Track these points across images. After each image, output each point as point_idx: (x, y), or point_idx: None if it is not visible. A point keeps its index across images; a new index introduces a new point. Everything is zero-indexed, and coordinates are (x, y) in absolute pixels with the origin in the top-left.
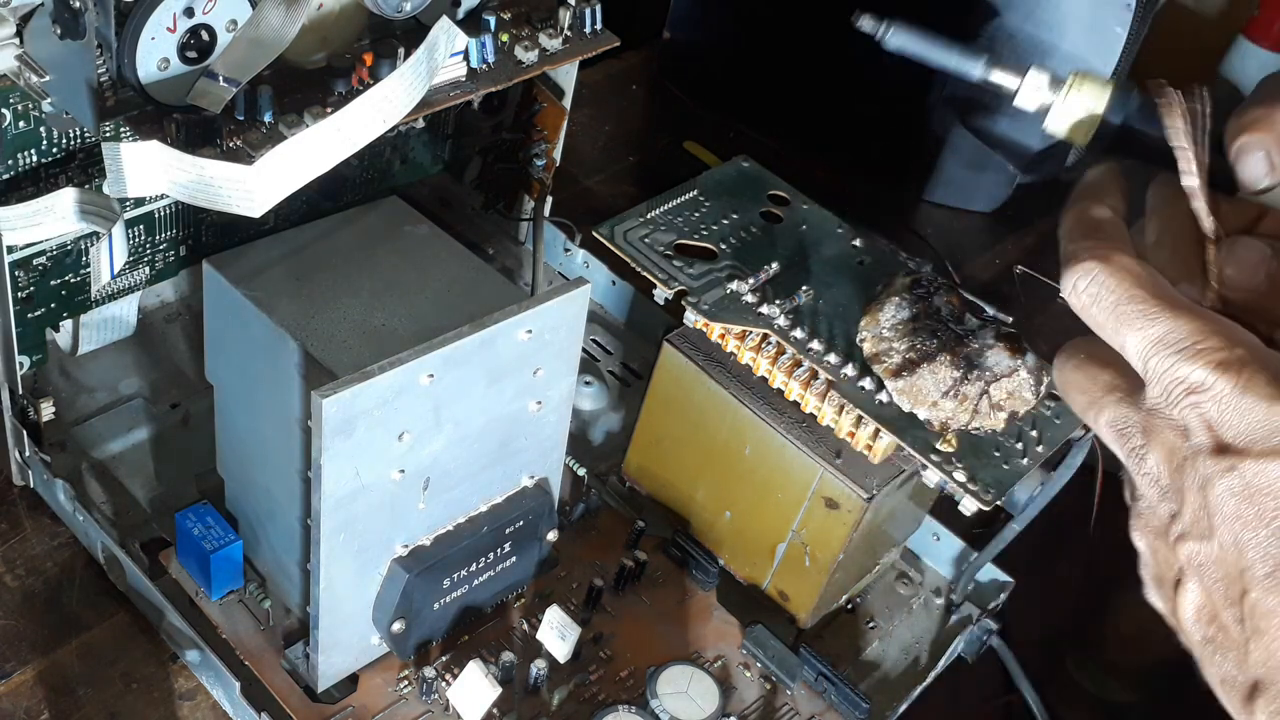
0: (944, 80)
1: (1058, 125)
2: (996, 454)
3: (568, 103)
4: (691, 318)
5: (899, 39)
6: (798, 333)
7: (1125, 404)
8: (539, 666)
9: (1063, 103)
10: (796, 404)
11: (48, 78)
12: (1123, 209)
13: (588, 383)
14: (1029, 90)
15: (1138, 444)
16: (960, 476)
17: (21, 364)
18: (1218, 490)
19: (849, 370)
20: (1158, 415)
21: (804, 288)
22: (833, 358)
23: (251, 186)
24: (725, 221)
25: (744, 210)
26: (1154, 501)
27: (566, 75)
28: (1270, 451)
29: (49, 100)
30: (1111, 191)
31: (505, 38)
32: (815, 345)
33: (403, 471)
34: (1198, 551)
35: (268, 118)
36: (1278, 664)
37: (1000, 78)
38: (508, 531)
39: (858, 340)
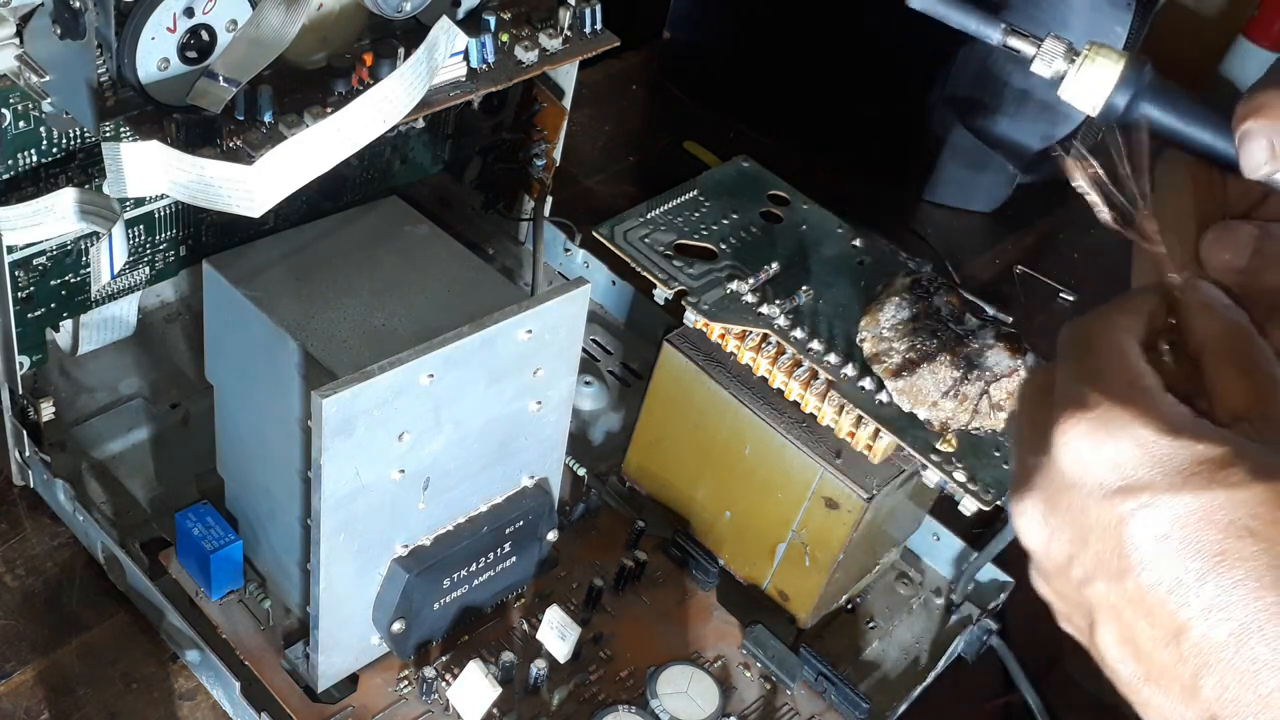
0: (944, 80)
1: (1071, 93)
2: (996, 454)
3: (568, 103)
4: (691, 318)
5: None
6: (798, 333)
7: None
8: (539, 666)
9: (1076, 73)
10: (796, 404)
11: (48, 78)
12: None
13: (588, 383)
14: (1045, 57)
15: (1018, 495)
16: (960, 476)
17: (21, 364)
18: (1131, 529)
19: (849, 370)
20: (1049, 465)
21: (804, 288)
22: (833, 358)
23: (251, 186)
24: (725, 221)
25: (744, 210)
26: (1043, 547)
27: (566, 75)
28: (1181, 487)
29: (49, 100)
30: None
31: (505, 38)
32: (815, 345)
33: (403, 471)
34: (1109, 592)
35: (268, 118)
36: (1234, 698)
37: (1018, 43)
38: (508, 531)
39: (858, 340)
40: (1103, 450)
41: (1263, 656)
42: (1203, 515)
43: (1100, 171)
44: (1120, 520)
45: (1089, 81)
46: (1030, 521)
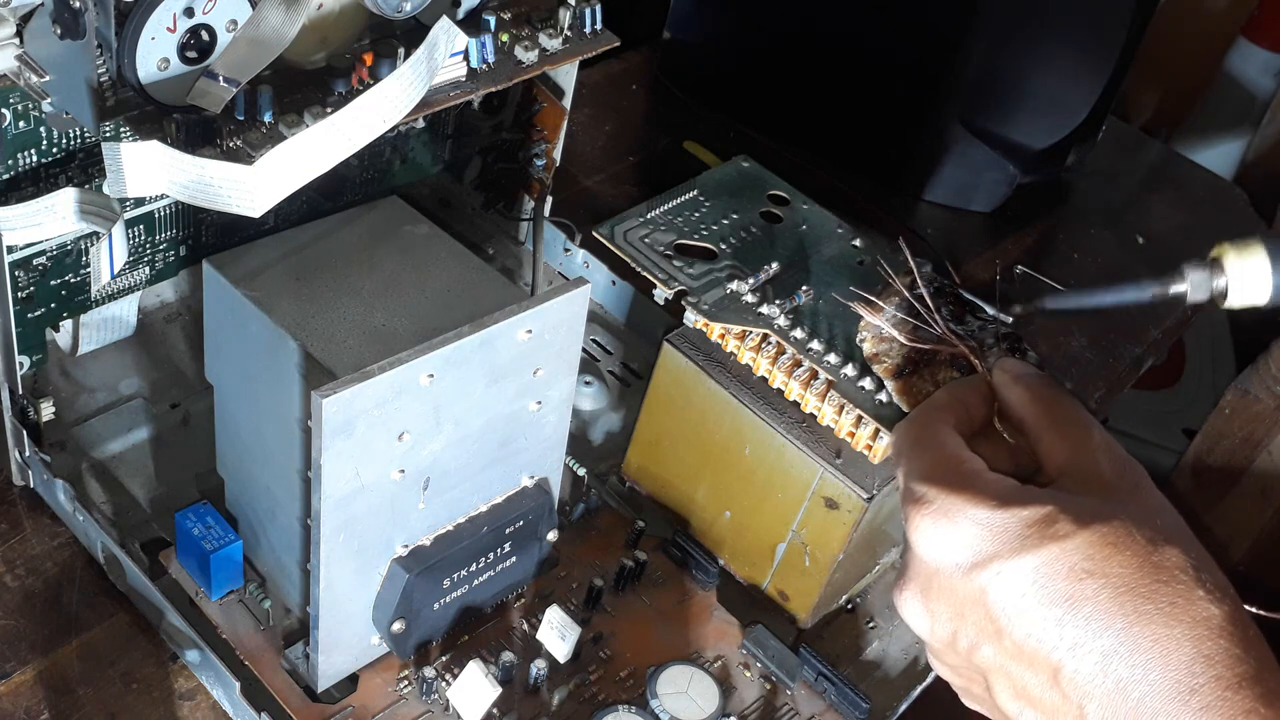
0: (944, 80)
1: (1241, 298)
2: None
3: (568, 103)
4: (691, 318)
5: (1056, 303)
6: (798, 333)
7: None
8: (539, 666)
9: (1234, 280)
10: (796, 404)
11: (48, 78)
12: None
13: (588, 383)
14: (1195, 283)
15: (899, 589)
16: None
17: (21, 364)
18: (994, 596)
19: (849, 370)
20: (913, 558)
21: (804, 288)
22: (833, 358)
23: (251, 186)
24: (725, 221)
25: (744, 210)
26: (929, 630)
27: (566, 75)
28: (1020, 550)
29: (49, 100)
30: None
31: (505, 38)
32: (815, 345)
33: (403, 471)
34: (994, 654)
35: (268, 118)
36: (1113, 715)
37: (1171, 290)
38: (508, 531)
39: (858, 340)
40: (950, 535)
41: (1124, 673)
42: (1046, 569)
43: (908, 295)
44: (983, 590)
45: (1251, 276)
46: (913, 610)
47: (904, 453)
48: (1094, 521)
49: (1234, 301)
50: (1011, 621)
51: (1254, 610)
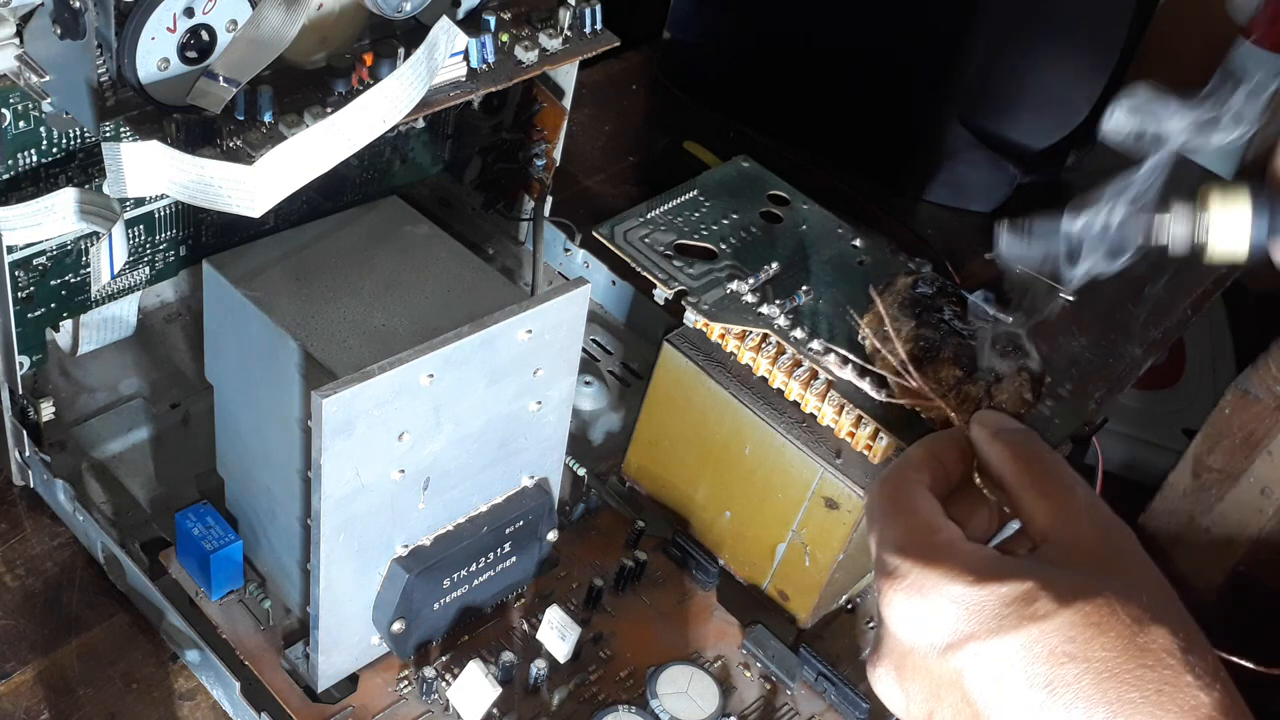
0: (944, 80)
1: (1220, 240)
2: None
3: (568, 103)
4: (691, 318)
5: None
6: (798, 333)
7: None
8: (539, 666)
9: (1212, 220)
10: (796, 404)
11: (48, 78)
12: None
13: (588, 383)
14: (1178, 217)
15: (872, 664)
16: None
17: (21, 364)
18: (970, 680)
19: (849, 370)
20: (886, 633)
21: (804, 288)
22: (833, 358)
23: (251, 186)
24: (725, 221)
25: (744, 210)
26: (904, 709)
27: (566, 75)
28: (997, 630)
29: (49, 100)
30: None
31: (505, 38)
32: (815, 345)
33: (403, 471)
34: None
35: (268, 118)
36: None
37: (1156, 227)
38: (508, 531)
39: (859, 339)
40: (924, 613)
41: None
42: (1025, 651)
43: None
44: (959, 673)
45: (1228, 224)
46: (887, 687)
47: (876, 518)
48: (1076, 599)
49: (1215, 246)
50: (989, 706)
51: (1235, 660)
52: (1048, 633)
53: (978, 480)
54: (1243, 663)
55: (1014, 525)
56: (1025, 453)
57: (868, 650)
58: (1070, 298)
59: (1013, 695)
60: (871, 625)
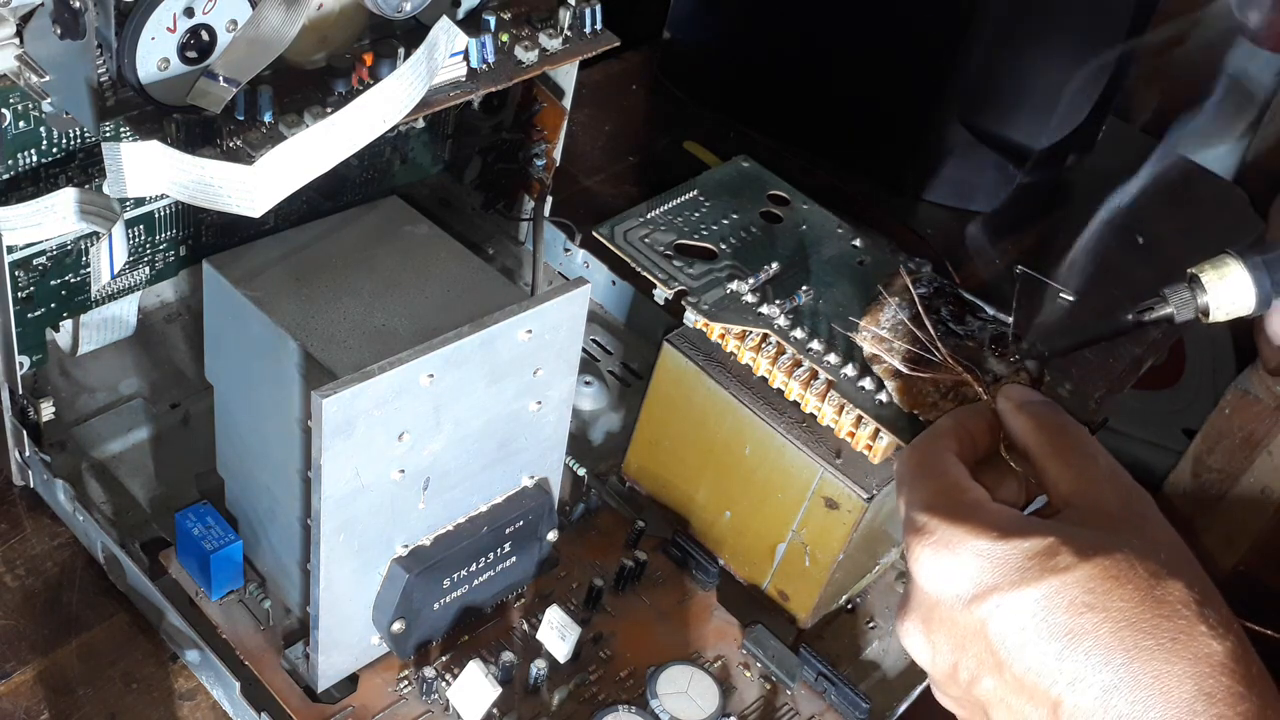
0: (944, 80)
1: (1225, 308)
2: None
3: (568, 103)
4: (691, 318)
5: (1051, 345)
6: (798, 333)
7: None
8: (539, 666)
9: (1216, 293)
10: (796, 404)
11: (48, 78)
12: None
13: (588, 383)
14: (1179, 304)
15: (900, 619)
16: None
17: (21, 364)
18: (994, 628)
19: (849, 370)
20: (914, 588)
21: (804, 288)
22: (833, 358)
23: (251, 186)
24: (725, 221)
25: (744, 210)
26: (930, 661)
27: (566, 75)
28: (1020, 582)
29: (49, 100)
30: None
31: (505, 38)
32: (815, 345)
33: (403, 471)
34: (994, 686)
35: (268, 118)
36: None
37: (1152, 315)
38: (508, 531)
39: (859, 340)
40: (950, 567)
41: (1124, 709)
42: (1046, 602)
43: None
44: (983, 623)
45: (1231, 292)
46: (914, 641)
47: (906, 481)
48: (1096, 554)
49: (1218, 316)
50: (1012, 654)
51: (1255, 628)
52: (1068, 584)
53: (1003, 452)
54: (1263, 630)
55: (1039, 502)
56: (1049, 423)
57: (898, 607)
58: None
59: (1034, 644)
60: (872, 625)
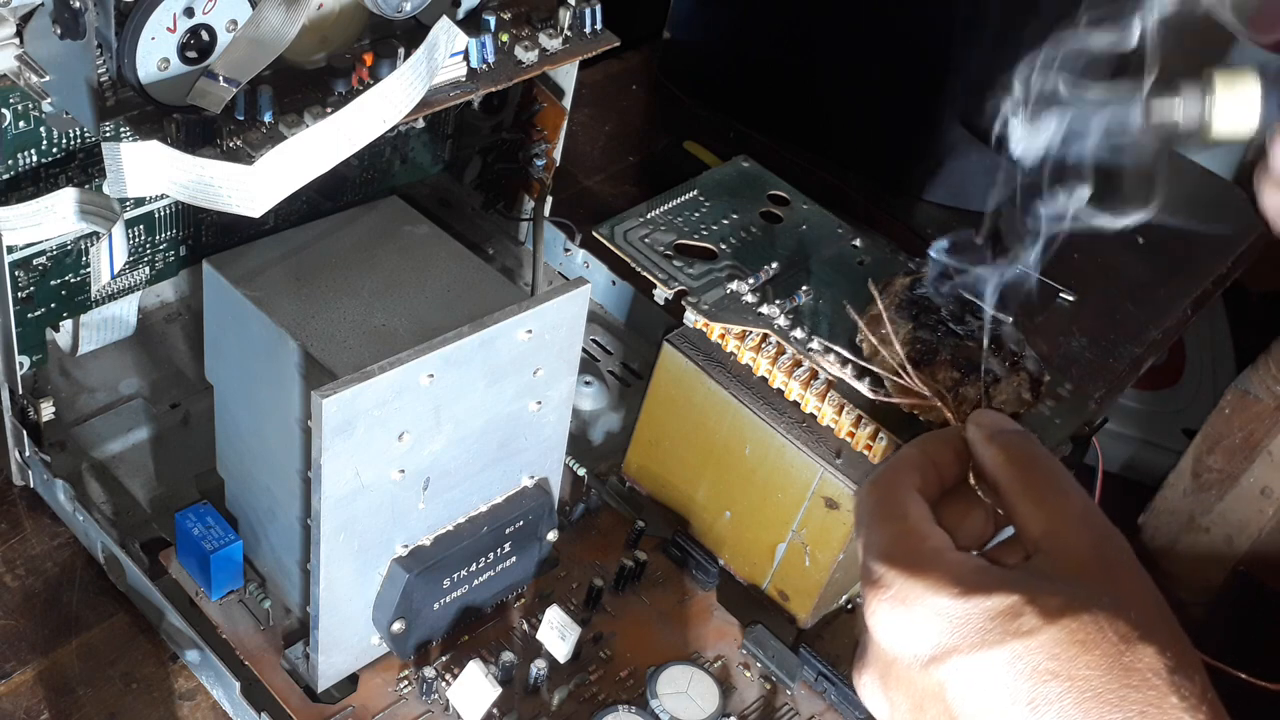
0: (944, 80)
1: (1226, 122)
2: None
3: (568, 103)
4: (691, 318)
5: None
6: (798, 333)
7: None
8: (539, 666)
9: (1221, 99)
10: (796, 404)
11: (48, 78)
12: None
13: (588, 383)
14: (1187, 98)
15: (857, 671)
16: None
17: (21, 364)
18: (952, 693)
19: (849, 370)
20: (870, 642)
21: (804, 288)
22: (833, 358)
23: (251, 186)
24: (725, 221)
25: (744, 210)
26: (888, 718)
27: (566, 75)
28: (981, 644)
29: (49, 100)
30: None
31: (505, 38)
32: (815, 345)
33: (403, 471)
34: None
35: (268, 118)
36: None
37: (1159, 112)
38: (508, 531)
39: (857, 340)
40: (907, 625)
41: None
42: (1008, 667)
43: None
44: (942, 685)
45: (1240, 102)
46: (872, 695)
47: (864, 522)
48: (1062, 615)
49: (1219, 126)
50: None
51: (1245, 676)
52: (1032, 649)
53: (973, 482)
54: (1239, 674)
55: (1008, 531)
56: (1020, 456)
57: (855, 658)
58: (1070, 297)
59: (995, 711)
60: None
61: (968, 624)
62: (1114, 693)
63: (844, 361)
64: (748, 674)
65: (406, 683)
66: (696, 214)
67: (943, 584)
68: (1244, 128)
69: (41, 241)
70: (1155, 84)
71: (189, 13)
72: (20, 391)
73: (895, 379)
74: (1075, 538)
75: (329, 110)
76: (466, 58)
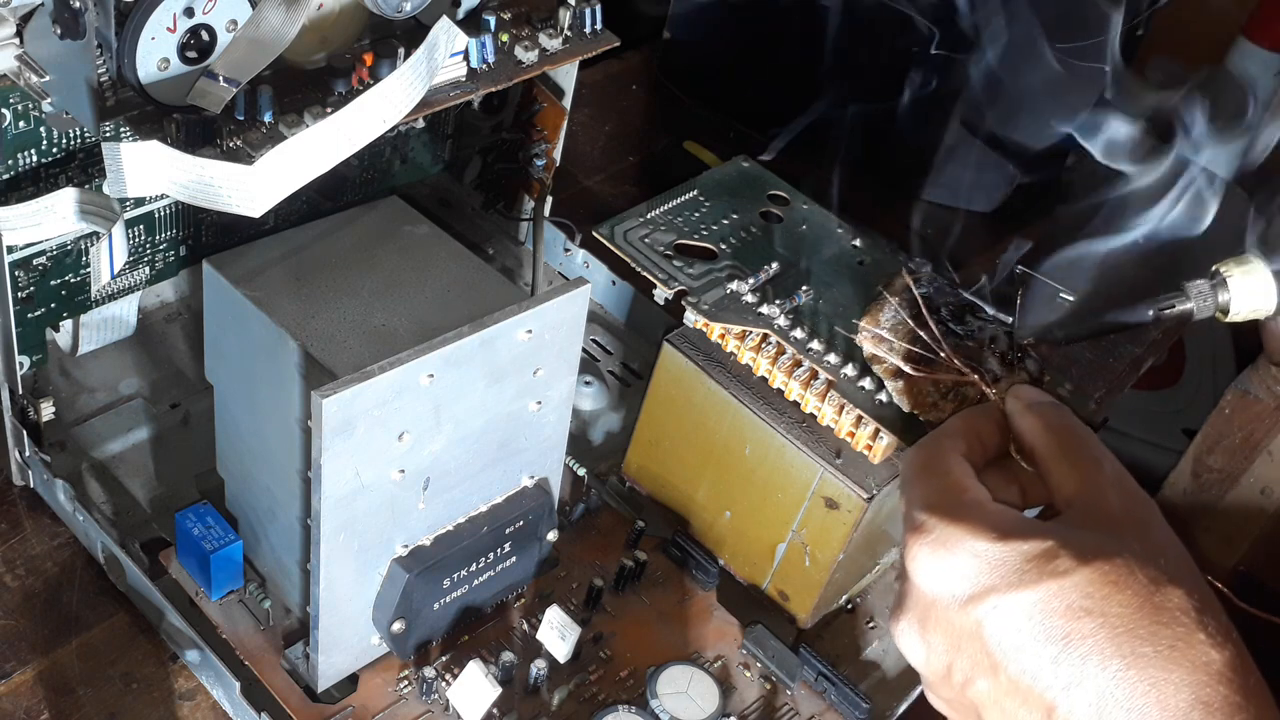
0: (944, 80)
1: (1245, 307)
2: None
3: (568, 103)
4: (691, 318)
5: (1063, 331)
6: (798, 333)
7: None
8: (539, 666)
9: (1238, 291)
10: (796, 404)
11: (48, 78)
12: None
13: (588, 383)
14: (1199, 299)
15: (895, 619)
16: None
17: (21, 364)
18: (989, 630)
19: (849, 370)
20: (910, 586)
21: (804, 288)
22: (833, 358)
23: (251, 186)
24: (725, 221)
25: (744, 210)
26: (924, 661)
27: (566, 75)
28: (1018, 584)
29: (49, 100)
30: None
31: (505, 38)
32: (815, 345)
33: (403, 471)
34: (989, 689)
35: (268, 118)
36: None
37: (1172, 311)
38: (508, 531)
39: (858, 340)
40: (947, 566)
41: (1119, 716)
42: (1043, 605)
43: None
44: (978, 624)
45: (1255, 291)
46: (909, 640)
47: (909, 479)
48: (1095, 558)
49: (1238, 314)
50: (1007, 657)
51: (1252, 610)
52: (1066, 588)
53: (1013, 453)
54: (1262, 615)
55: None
56: (1057, 425)
57: (893, 606)
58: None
59: (1030, 647)
60: (872, 625)
61: (1005, 565)
62: (1144, 628)
63: (844, 361)
64: (748, 674)
65: (406, 683)
66: (696, 214)
67: (982, 529)
68: (1265, 308)
69: (41, 241)
70: (1160, 298)
71: (189, 13)
72: (20, 391)
73: (910, 362)
74: (1107, 497)
75: (329, 110)
76: (466, 58)
